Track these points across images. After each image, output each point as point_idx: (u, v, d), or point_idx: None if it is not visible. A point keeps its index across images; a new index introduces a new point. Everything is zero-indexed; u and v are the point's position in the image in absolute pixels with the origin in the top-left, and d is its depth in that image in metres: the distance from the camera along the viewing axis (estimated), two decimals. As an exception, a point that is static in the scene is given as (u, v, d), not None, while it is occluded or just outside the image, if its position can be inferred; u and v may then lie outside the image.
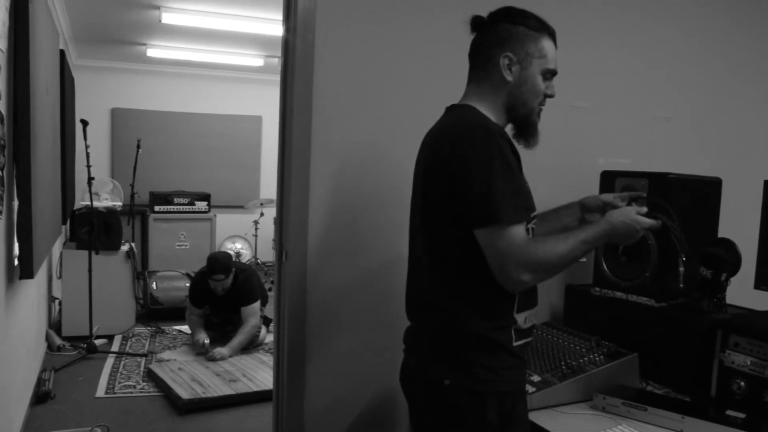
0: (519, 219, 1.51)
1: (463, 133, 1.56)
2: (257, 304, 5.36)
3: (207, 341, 5.14)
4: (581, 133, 2.98)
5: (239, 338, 5.17)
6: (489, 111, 1.68)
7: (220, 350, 5.01)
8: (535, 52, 1.67)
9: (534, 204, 1.67)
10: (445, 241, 1.61)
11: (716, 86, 3.33)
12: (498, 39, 1.66)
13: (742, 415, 1.90)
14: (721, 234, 2.45)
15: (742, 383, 2.05)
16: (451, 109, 1.76)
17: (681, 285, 2.12)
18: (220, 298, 5.29)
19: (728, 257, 2.27)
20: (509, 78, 1.66)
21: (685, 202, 2.35)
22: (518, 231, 1.50)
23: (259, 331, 5.40)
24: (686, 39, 3.21)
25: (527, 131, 1.73)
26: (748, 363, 2.04)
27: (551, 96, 1.74)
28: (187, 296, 5.51)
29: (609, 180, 2.52)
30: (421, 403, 1.73)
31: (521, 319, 1.66)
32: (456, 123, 1.63)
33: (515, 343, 1.64)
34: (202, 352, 5.08)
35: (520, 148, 1.70)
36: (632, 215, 1.71)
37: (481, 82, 1.71)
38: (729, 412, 1.93)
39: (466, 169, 1.50)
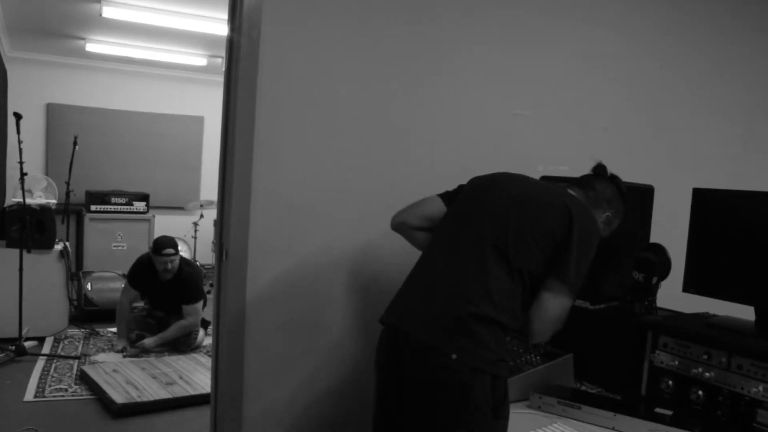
0: (575, 296, 1.90)
1: (590, 222, 1.96)
2: (199, 305, 5.31)
3: (126, 346, 5.18)
4: (521, 140, 3.05)
5: (170, 331, 5.21)
6: None
7: (144, 341, 5.12)
8: (614, 225, 2.15)
9: None
10: (530, 270, 1.88)
11: (651, 98, 3.46)
12: (608, 199, 2.12)
13: (669, 412, 1.97)
14: (653, 239, 2.54)
15: (670, 382, 2.13)
16: (571, 184, 2.15)
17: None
18: (161, 287, 5.21)
19: (659, 261, 2.36)
20: (603, 232, 2.08)
21: (620, 208, 2.43)
22: (569, 304, 1.89)
23: (197, 333, 5.31)
24: (623, 51, 3.33)
25: None
26: (676, 363, 2.12)
27: None
28: (125, 277, 5.41)
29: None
30: (420, 376, 1.82)
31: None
32: (582, 210, 1.96)
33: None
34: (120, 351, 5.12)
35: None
36: None
37: (589, 206, 2.06)
38: (658, 410, 2.00)
39: (578, 244, 1.87)
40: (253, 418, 2.63)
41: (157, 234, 7.87)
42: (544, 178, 2.64)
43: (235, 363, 2.57)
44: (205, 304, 5.52)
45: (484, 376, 1.76)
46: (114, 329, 5.49)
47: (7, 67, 7.05)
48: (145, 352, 5.06)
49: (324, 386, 2.75)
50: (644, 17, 3.38)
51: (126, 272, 5.62)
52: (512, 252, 1.86)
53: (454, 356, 1.75)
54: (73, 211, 7.26)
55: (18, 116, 4.78)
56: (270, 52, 2.50)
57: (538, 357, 2.32)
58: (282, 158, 2.57)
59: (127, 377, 4.44)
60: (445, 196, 2.18)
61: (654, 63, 3.44)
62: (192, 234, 8.20)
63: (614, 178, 2.16)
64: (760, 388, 1.88)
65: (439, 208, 2.15)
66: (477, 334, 1.77)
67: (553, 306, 1.88)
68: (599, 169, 2.18)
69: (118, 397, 4.04)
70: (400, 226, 2.24)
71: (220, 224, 2.63)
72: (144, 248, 7.52)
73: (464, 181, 2.19)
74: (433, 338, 1.81)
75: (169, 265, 5.18)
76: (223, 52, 2.58)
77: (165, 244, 5.20)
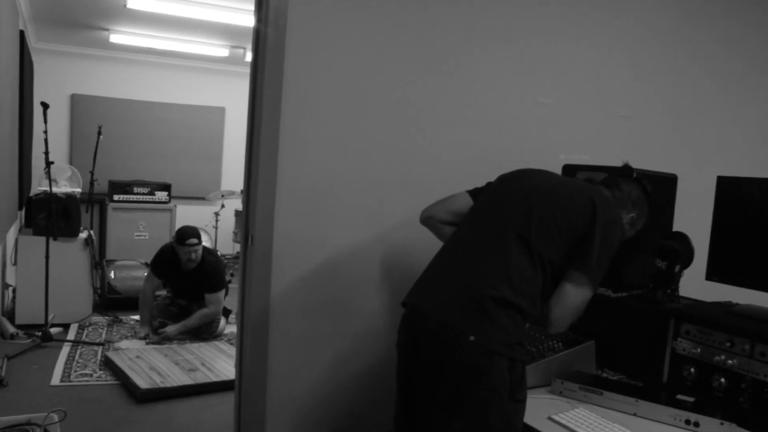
0: (595, 288, 1.94)
1: (614, 217, 1.99)
2: (221, 294, 5.36)
3: (149, 333, 5.25)
4: (544, 128, 3.05)
5: (192, 319, 5.25)
6: None
7: (166, 328, 5.17)
8: (639, 226, 2.16)
9: None
10: (551, 259, 1.91)
11: (674, 87, 3.44)
12: (633, 200, 2.13)
13: (691, 399, 1.98)
14: (675, 228, 2.54)
15: (692, 369, 2.14)
16: (598, 184, 2.15)
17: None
18: (183, 276, 5.27)
19: (682, 250, 2.36)
20: (627, 232, 2.11)
21: (643, 196, 2.44)
22: (589, 296, 1.92)
23: (219, 322, 5.38)
24: (649, 40, 3.32)
25: None
26: (698, 350, 2.13)
27: None
28: (149, 265, 5.47)
29: (570, 173, 2.59)
30: (438, 356, 1.85)
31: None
32: (606, 204, 1.99)
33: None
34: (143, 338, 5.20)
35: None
36: None
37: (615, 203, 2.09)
38: (679, 396, 2.01)
39: (601, 237, 1.90)
40: (276, 404, 2.67)
41: (178, 224, 7.97)
42: (566, 166, 2.65)
43: (260, 348, 2.61)
44: (227, 293, 5.57)
45: (501, 359, 1.78)
46: (137, 317, 5.57)
47: (33, 58, 7.14)
48: (167, 339, 5.13)
49: (348, 372, 2.78)
50: (669, 6, 3.36)
51: (148, 261, 5.70)
52: (534, 240, 1.89)
53: (472, 338, 1.78)
54: (96, 201, 7.34)
55: (45, 106, 4.85)
56: (296, 43, 2.52)
57: (560, 343, 2.33)
58: (307, 148, 2.60)
59: (151, 363, 4.51)
60: (474, 193, 2.21)
61: (677, 52, 3.42)
62: (213, 224, 8.27)
63: (640, 180, 2.16)
64: (784, 376, 1.89)
65: (468, 203, 2.18)
66: (495, 317, 1.80)
67: (574, 297, 1.90)
68: (626, 170, 2.19)
69: (142, 383, 4.10)
70: (428, 220, 2.27)
71: (246, 211, 2.67)
72: (166, 238, 7.62)
73: (486, 170, 2.22)
74: (452, 318, 1.84)
75: (193, 255, 5.24)
76: (245, 43, 2.62)
77: (188, 234, 5.25)
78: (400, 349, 2.03)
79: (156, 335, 5.16)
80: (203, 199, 8.50)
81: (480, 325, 1.79)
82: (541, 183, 2.05)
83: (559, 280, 1.93)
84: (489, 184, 2.21)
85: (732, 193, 2.31)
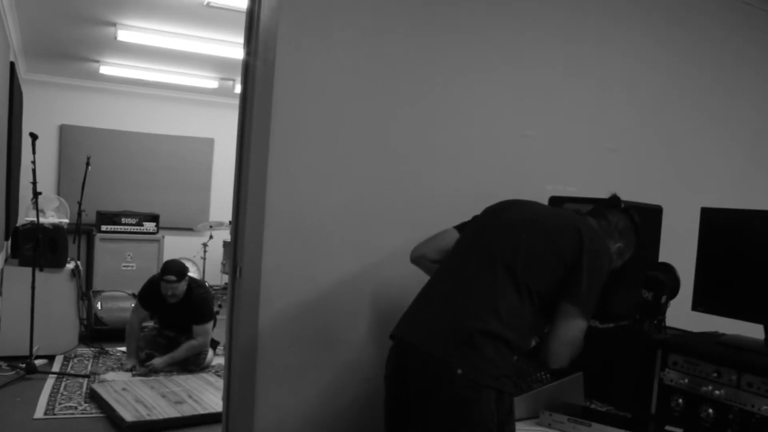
0: (588, 318, 1.94)
1: (601, 247, 1.98)
2: (209, 325, 5.32)
3: (135, 365, 5.18)
4: (531, 160, 3.09)
5: (179, 351, 5.19)
6: None
7: (153, 361, 5.09)
8: (626, 256, 2.15)
9: None
10: (539, 290, 1.91)
11: (659, 120, 3.50)
12: (620, 230, 2.12)
13: (680, 430, 1.98)
14: (661, 259, 2.56)
15: (680, 400, 2.14)
16: (585, 215, 2.16)
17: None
18: (170, 308, 5.23)
19: (668, 280, 2.38)
20: (614, 263, 2.09)
21: (629, 228, 2.47)
22: (584, 326, 1.92)
23: (206, 354, 5.33)
24: (632, 73, 3.38)
25: None
26: (686, 381, 2.14)
27: None
28: (136, 296, 5.43)
29: (557, 205, 2.61)
30: (425, 388, 1.85)
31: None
32: (593, 233, 2.00)
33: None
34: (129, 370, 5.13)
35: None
36: None
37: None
38: (668, 428, 2.01)
39: (589, 266, 1.90)
40: (264, 435, 2.65)
41: (166, 254, 7.95)
42: (552, 198, 2.68)
43: (248, 380, 2.59)
44: (214, 325, 5.53)
45: (489, 392, 1.78)
46: (123, 348, 5.50)
47: (23, 89, 7.16)
48: (154, 371, 5.08)
49: (336, 404, 2.76)
50: (653, 39, 3.43)
51: (135, 292, 5.65)
52: (521, 271, 1.90)
53: (459, 371, 1.77)
54: (83, 231, 7.32)
55: (34, 136, 4.85)
56: (285, 75, 2.55)
57: (548, 375, 2.33)
58: (295, 179, 2.61)
59: (137, 396, 4.45)
60: (461, 228, 2.22)
61: (662, 84, 3.48)
62: (201, 255, 8.25)
63: (628, 210, 2.18)
64: (770, 406, 1.89)
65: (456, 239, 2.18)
66: (483, 350, 1.80)
67: (567, 329, 1.90)
68: (613, 200, 2.20)
69: (128, 416, 4.05)
70: (419, 259, 2.27)
71: (234, 243, 2.67)
72: (153, 269, 7.58)
73: (474, 203, 2.24)
74: (439, 351, 1.83)
75: (170, 291, 5.14)
76: (234, 75, 2.65)
77: (170, 270, 5.18)
78: (388, 381, 2.03)
79: (143, 367, 5.11)
80: (191, 230, 8.49)
81: (468, 358, 1.79)
82: (528, 214, 2.07)
83: (549, 312, 1.93)
84: (475, 217, 2.23)
85: (716, 224, 2.34)
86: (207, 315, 5.34)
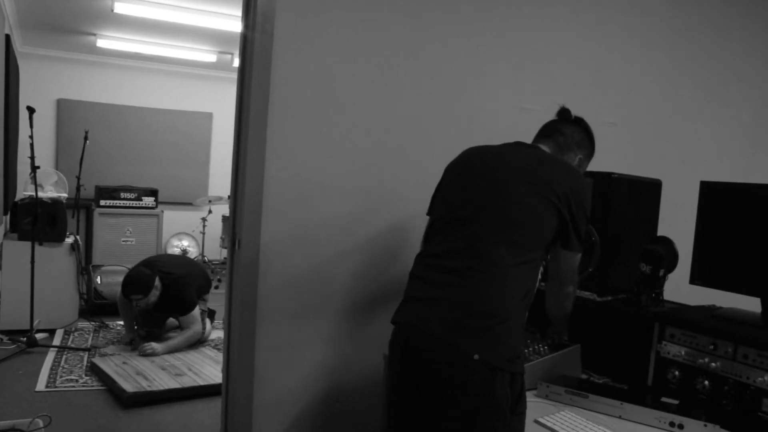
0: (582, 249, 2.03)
1: (582, 186, 2.01)
2: (197, 310, 5.16)
3: (134, 337, 5.13)
4: (530, 135, 3.07)
5: (178, 341, 5.03)
6: None
7: (153, 345, 4.91)
8: (586, 165, 2.24)
9: None
10: (540, 247, 1.93)
11: (658, 94, 3.48)
12: (577, 141, 2.18)
13: (676, 402, 2.00)
14: (660, 232, 2.57)
15: (677, 372, 2.16)
16: (543, 146, 2.18)
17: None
18: (150, 309, 5.11)
19: (666, 254, 2.38)
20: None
21: (628, 201, 2.47)
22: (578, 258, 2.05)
23: (203, 332, 5.30)
24: (632, 48, 3.35)
25: None
26: (683, 353, 2.15)
27: None
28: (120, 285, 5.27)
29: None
30: (439, 376, 1.82)
31: None
32: (571, 171, 2.03)
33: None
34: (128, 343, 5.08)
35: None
36: None
37: (560, 152, 2.16)
38: (664, 399, 2.03)
39: (579, 216, 1.94)
40: (263, 406, 2.67)
41: (165, 229, 7.98)
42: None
43: (247, 352, 2.61)
44: (208, 291, 5.47)
45: (503, 375, 1.77)
46: (123, 322, 5.53)
47: (19, 62, 7.10)
48: (154, 355, 4.99)
49: (334, 376, 2.79)
50: (652, 14, 3.40)
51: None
52: (519, 243, 1.88)
53: (476, 356, 1.75)
54: (82, 206, 7.31)
55: (31, 110, 4.82)
56: (283, 48, 2.53)
57: (546, 347, 2.35)
58: (294, 153, 2.61)
59: (137, 368, 4.49)
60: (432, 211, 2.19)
61: (661, 59, 3.46)
62: (200, 230, 8.26)
63: (580, 121, 2.22)
64: (766, 378, 1.91)
65: None
66: (497, 333, 1.79)
67: (565, 268, 2.04)
68: (564, 113, 2.23)
69: (129, 387, 4.09)
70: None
71: (233, 215, 2.67)
72: (152, 243, 7.60)
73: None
74: (452, 337, 1.80)
75: (142, 305, 4.98)
76: (232, 49, 2.63)
77: (132, 288, 4.92)
78: (394, 367, 1.99)
79: (143, 348, 5.01)
80: (190, 204, 8.48)
81: (482, 343, 1.77)
82: (499, 176, 2.01)
83: (542, 259, 1.99)
84: (440, 186, 2.17)
85: (715, 198, 2.34)
86: (188, 306, 5.10)
